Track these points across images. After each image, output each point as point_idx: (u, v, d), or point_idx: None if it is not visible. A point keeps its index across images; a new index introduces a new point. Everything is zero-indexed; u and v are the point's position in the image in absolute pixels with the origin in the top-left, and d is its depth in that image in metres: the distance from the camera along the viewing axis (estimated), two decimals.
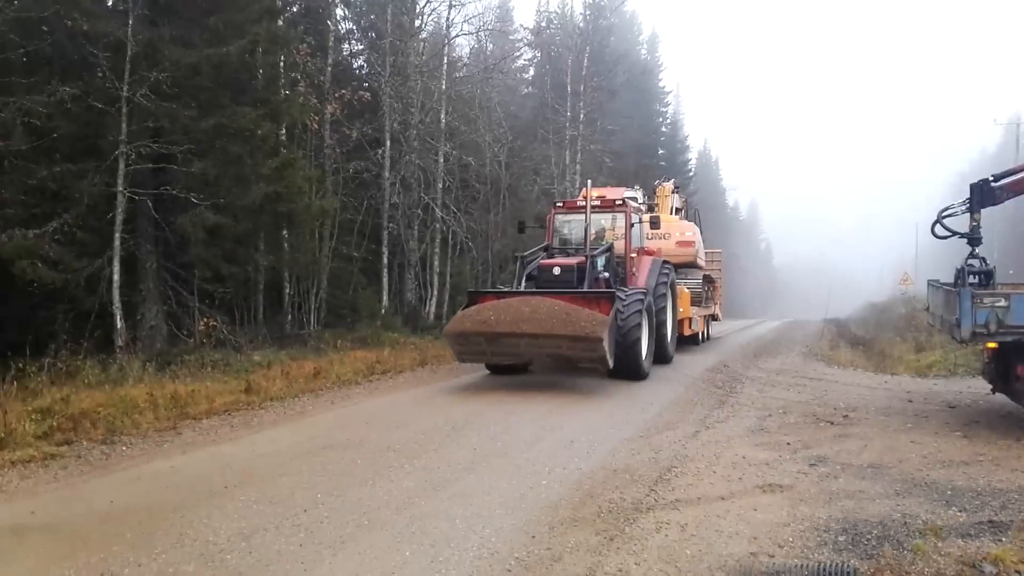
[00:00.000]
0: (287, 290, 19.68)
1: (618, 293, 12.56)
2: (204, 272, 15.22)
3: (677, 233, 20.20)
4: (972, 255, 9.79)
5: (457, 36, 28.16)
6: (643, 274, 15.25)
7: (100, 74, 13.64)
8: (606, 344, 10.78)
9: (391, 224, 23.58)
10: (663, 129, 63.53)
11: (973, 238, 9.86)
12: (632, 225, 15.09)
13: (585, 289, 12.61)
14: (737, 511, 5.87)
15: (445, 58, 27.03)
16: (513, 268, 15.82)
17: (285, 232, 18.61)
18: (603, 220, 15.47)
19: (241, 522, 5.47)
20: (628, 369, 12.47)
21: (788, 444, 8.34)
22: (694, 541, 5.19)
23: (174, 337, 15.17)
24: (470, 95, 27.22)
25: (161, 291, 15.27)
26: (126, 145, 13.63)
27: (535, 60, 40.48)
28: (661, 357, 15.08)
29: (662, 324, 15.22)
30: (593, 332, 10.72)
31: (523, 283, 13.43)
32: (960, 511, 5.89)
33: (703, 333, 22.35)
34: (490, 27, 31.12)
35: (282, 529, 5.33)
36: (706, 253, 24.14)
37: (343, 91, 22.13)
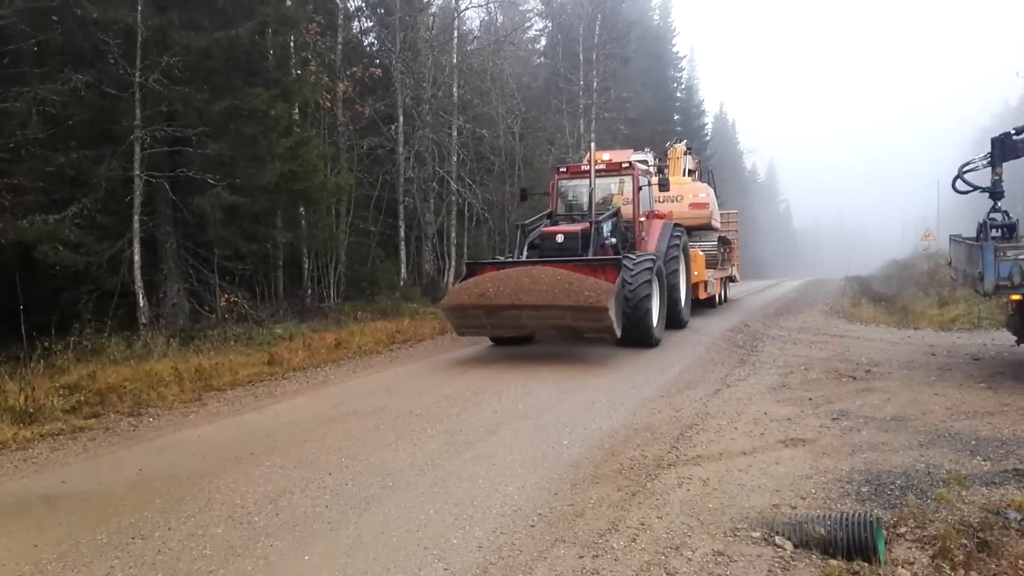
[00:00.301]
0: (306, 265, 19.82)
1: (625, 260, 12.00)
2: (223, 250, 15.37)
3: (690, 195, 19.70)
4: (995, 209, 9.69)
5: (467, 9, 28.06)
6: (653, 239, 14.70)
7: (112, 61, 13.69)
8: (612, 313, 10.33)
9: (407, 198, 23.62)
10: (678, 94, 62.97)
11: (995, 192, 9.75)
12: (639, 188, 14.55)
13: (590, 256, 12.03)
14: (759, 465, 5.88)
15: (455, 31, 26.87)
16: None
17: (302, 209, 18.69)
18: (611, 184, 15.00)
19: (267, 486, 5.56)
20: (638, 337, 12.00)
21: (810, 399, 8.33)
22: (716, 495, 5.22)
23: (196, 314, 15.38)
24: (482, 68, 27.05)
25: (182, 270, 15.45)
26: (141, 130, 13.72)
27: (546, 30, 40.09)
28: (674, 322, 14.65)
29: (674, 288, 14.65)
30: (598, 301, 10.20)
31: (525, 252, 12.89)
32: (984, 460, 5.87)
33: (720, 296, 21.99)
34: None
35: (308, 492, 5.41)
36: (721, 215, 23.66)
37: (354, 68, 22.09)
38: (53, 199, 13.18)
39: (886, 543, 4.38)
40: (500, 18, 33.54)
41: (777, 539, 4.43)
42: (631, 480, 5.56)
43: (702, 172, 23.57)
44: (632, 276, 11.78)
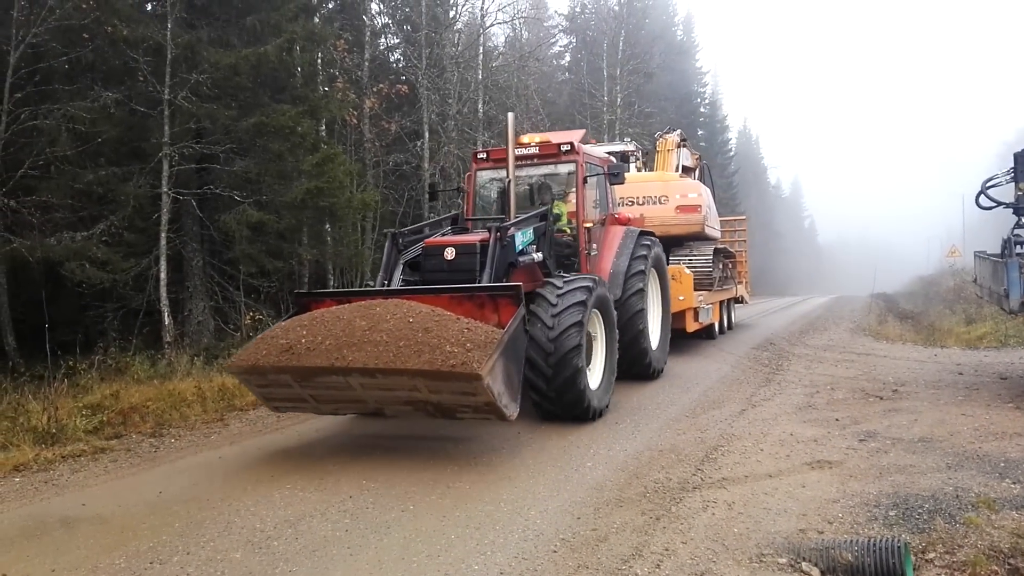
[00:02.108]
0: (332, 282, 19.90)
1: (544, 289, 8.25)
2: (249, 267, 15.48)
3: (677, 195, 15.52)
4: (1019, 224, 9.56)
5: (492, 25, 28.23)
6: (608, 253, 10.73)
7: (141, 78, 13.89)
8: (494, 382, 6.15)
9: (432, 214, 23.71)
10: (702, 110, 62.88)
11: (1019, 208, 9.62)
12: (585, 180, 10.23)
13: (484, 282, 7.60)
14: (785, 488, 5.80)
15: (481, 48, 27.05)
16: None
17: (328, 226, 18.81)
18: (558, 175, 10.84)
19: (287, 509, 5.55)
20: (564, 408, 8.08)
21: (837, 420, 8.22)
22: (742, 519, 5.14)
23: (221, 332, 15.47)
24: (507, 84, 27.20)
25: (207, 287, 15.58)
26: (169, 147, 13.88)
27: (570, 46, 40.33)
28: (640, 371, 10.89)
29: (635, 323, 10.54)
30: (463, 364, 6.01)
31: (398, 275, 8.49)
32: (1014, 483, 5.75)
33: (722, 322, 18.23)
34: (524, 15, 31.13)
35: (328, 515, 5.39)
36: (724, 221, 20.75)
37: (381, 85, 22.24)
38: (81, 216, 13.38)
39: (914, 569, 4.31)
40: (525, 34, 33.78)
41: (804, 565, 4.36)
42: (655, 504, 5.50)
43: (702, 171, 19.65)
44: (554, 315, 7.86)
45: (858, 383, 10.65)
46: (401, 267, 8.57)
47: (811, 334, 18.74)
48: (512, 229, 8.38)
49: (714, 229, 17.19)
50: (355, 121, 20.90)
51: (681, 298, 13.61)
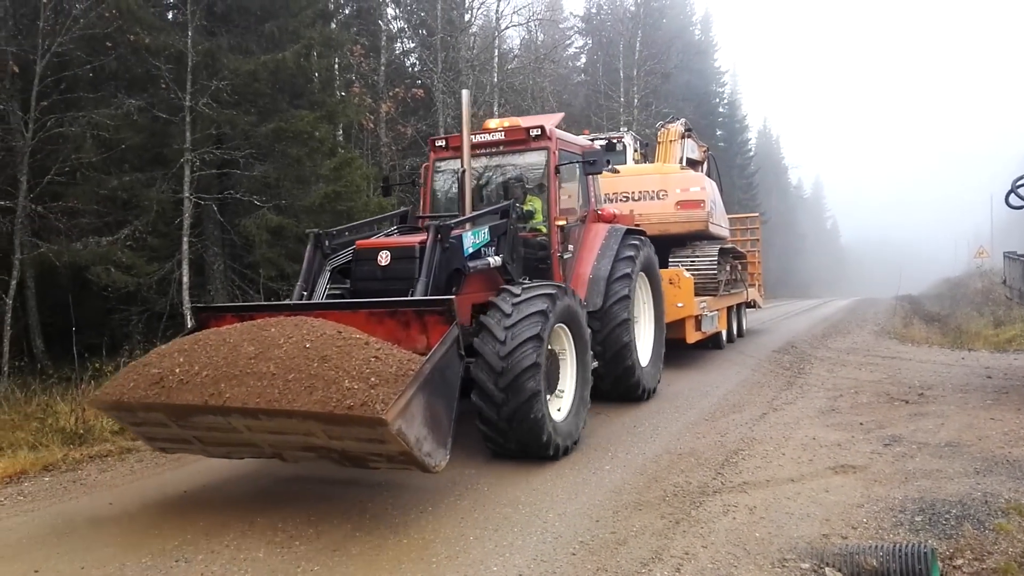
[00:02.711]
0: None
1: (502, 294, 6.80)
2: (269, 271, 15.57)
3: (677, 189, 13.87)
4: None
5: (507, 28, 28.31)
6: (588, 255, 9.23)
7: (163, 85, 14.04)
8: (406, 427, 4.73)
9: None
10: (720, 109, 62.49)
11: None
12: (557, 170, 8.65)
13: (418, 293, 6.19)
14: (808, 493, 5.74)
15: (496, 51, 27.13)
16: None
17: None
18: (531, 165, 8.99)
19: (309, 509, 5.58)
20: (520, 446, 6.60)
21: (861, 424, 8.13)
22: (763, 523, 5.10)
23: None
24: (522, 86, 27.23)
25: (228, 291, 15.69)
26: (191, 152, 14.00)
27: (586, 47, 40.31)
28: (626, 391, 9.39)
29: (617, 336, 8.98)
30: (363, 406, 4.65)
31: (324, 285, 7.21)
32: None
33: (732, 329, 16.70)
34: (540, 17, 31.15)
35: (349, 516, 5.41)
36: (734, 219, 19.40)
37: (397, 89, 22.36)
38: (106, 221, 13.57)
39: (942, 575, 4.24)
40: (540, 36, 33.82)
41: (827, 570, 4.31)
42: (675, 507, 5.46)
43: (710, 164, 17.89)
44: (507, 327, 6.42)
45: (883, 387, 10.52)
46: (328, 274, 7.25)
47: (834, 337, 18.56)
48: (460, 228, 7.10)
49: (720, 227, 15.41)
50: (372, 125, 21.00)
51: (680, 305, 12.09)
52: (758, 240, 20.26)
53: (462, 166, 8.21)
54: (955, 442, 7.18)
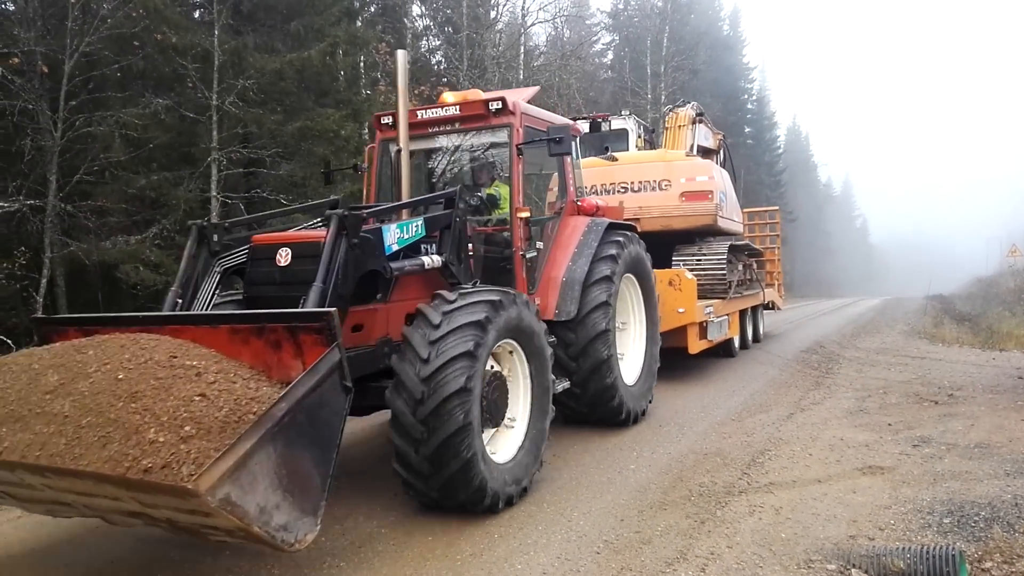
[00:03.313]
0: None
1: (434, 300, 5.45)
2: None
3: (682, 179, 12.21)
4: None
5: (533, 24, 28.25)
6: (562, 252, 7.77)
7: (190, 84, 14.21)
8: (237, 496, 3.31)
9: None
10: (749, 106, 62.02)
11: None
12: (520, 151, 7.16)
13: (310, 303, 4.76)
14: (835, 494, 5.68)
15: (522, 48, 27.11)
16: None
17: None
18: (498, 147, 7.61)
19: (334, 506, 5.57)
20: (441, 483, 5.10)
21: (889, 425, 8.02)
22: (789, 524, 5.05)
23: None
24: (548, 83, 27.18)
25: None
26: (217, 151, 14.17)
27: (613, 44, 40.11)
28: (608, 414, 7.92)
29: (595, 349, 7.53)
30: (165, 468, 3.28)
31: (205, 289, 5.77)
32: None
33: (747, 335, 14.91)
34: (566, 13, 31.07)
35: (372, 513, 5.44)
36: (749, 212, 18.15)
37: (422, 87, 22.41)
38: (135, 220, 13.77)
39: None
40: (567, 33, 33.74)
41: (854, 572, 4.26)
42: (700, 507, 5.43)
43: (725, 154, 16.45)
44: (432, 341, 5.09)
45: (912, 387, 10.39)
46: (216, 277, 5.81)
47: (862, 337, 18.36)
48: (384, 219, 5.92)
49: (731, 221, 13.55)
50: None
51: (681, 311, 10.53)
52: (778, 236, 18.74)
53: (397, 144, 6.84)
54: (985, 443, 7.07)
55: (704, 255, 12.40)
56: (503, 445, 5.75)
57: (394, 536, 4.99)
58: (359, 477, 6.42)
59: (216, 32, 14.06)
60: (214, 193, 14.20)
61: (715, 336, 11.73)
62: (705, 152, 14.90)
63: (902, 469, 6.30)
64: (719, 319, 11.89)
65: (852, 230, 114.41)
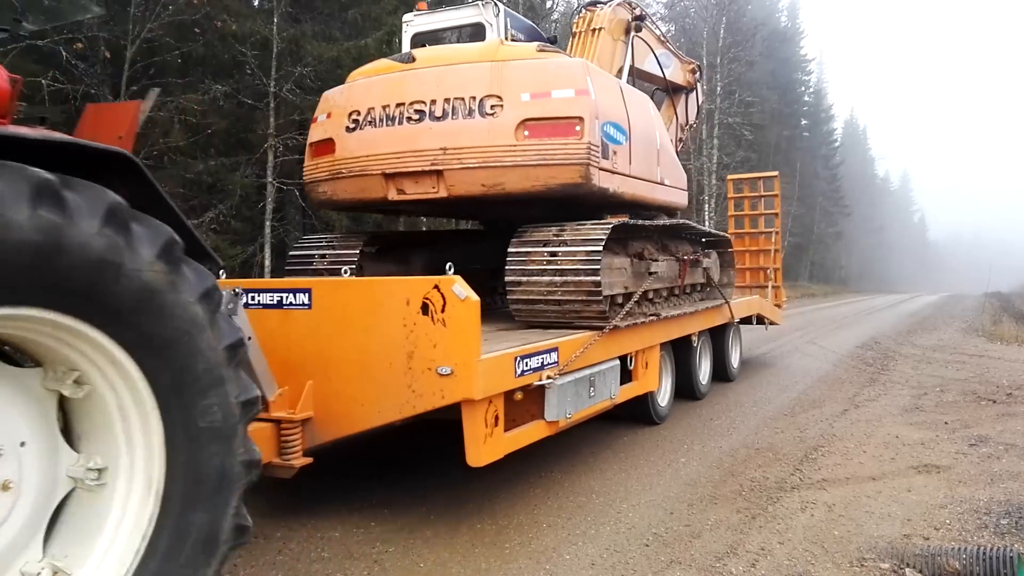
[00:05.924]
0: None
1: None
2: None
3: (523, 94, 6.08)
4: None
5: None
6: None
7: (249, 71, 14.45)
8: None
9: None
10: (806, 99, 61.02)
11: None
12: None
13: None
14: (889, 492, 5.59)
15: None
16: None
17: (424, 217, 19.11)
18: None
19: (381, 491, 5.66)
20: None
21: (945, 423, 7.86)
22: (842, 522, 4.98)
23: None
24: None
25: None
26: (274, 138, 14.39)
27: (669, 33, 39.54)
28: None
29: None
30: None
31: None
32: None
33: (688, 381, 8.82)
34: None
35: (424, 498, 5.48)
36: (738, 180, 14.07)
37: None
38: (192, 205, 14.03)
39: None
40: None
41: (908, 571, 4.19)
42: (751, 502, 5.38)
43: (695, 97, 11.09)
44: None
45: (969, 385, 10.17)
46: None
47: (919, 334, 17.99)
48: None
49: (650, 184, 7.48)
50: None
51: (444, 371, 4.45)
52: (777, 214, 13.12)
53: None
54: None
55: (564, 246, 6.05)
56: None
57: (443, 523, 5.02)
58: (408, 463, 6.49)
59: (275, 20, 14.26)
60: (270, 179, 14.44)
61: (570, 410, 5.53)
62: (676, 89, 10.31)
63: (958, 468, 6.18)
64: (584, 374, 5.75)
65: (910, 225, 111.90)
